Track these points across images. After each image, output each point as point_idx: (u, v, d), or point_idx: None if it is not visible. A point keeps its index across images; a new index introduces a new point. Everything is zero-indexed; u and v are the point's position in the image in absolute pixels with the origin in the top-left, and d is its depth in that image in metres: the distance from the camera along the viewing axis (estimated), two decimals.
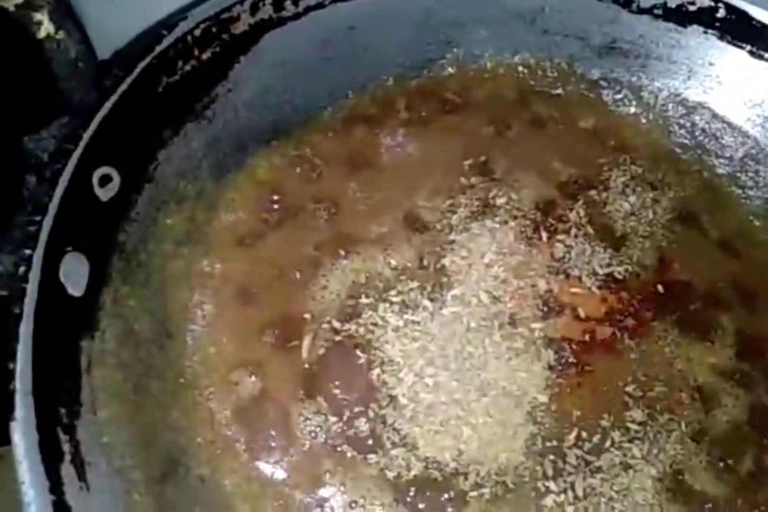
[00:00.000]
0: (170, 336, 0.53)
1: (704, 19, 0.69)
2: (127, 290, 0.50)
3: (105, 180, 0.50)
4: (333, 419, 0.53)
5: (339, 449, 0.52)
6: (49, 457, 0.41)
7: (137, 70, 0.53)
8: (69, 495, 0.41)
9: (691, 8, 0.69)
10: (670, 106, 0.74)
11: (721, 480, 0.56)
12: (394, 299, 0.59)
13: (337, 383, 0.54)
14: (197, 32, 0.57)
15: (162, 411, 0.50)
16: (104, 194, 0.50)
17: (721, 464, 0.56)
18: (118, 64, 0.54)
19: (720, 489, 0.56)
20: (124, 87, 0.52)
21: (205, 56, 0.58)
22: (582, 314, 0.60)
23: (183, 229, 0.57)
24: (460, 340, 0.57)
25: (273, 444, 0.51)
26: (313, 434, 0.52)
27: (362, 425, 0.53)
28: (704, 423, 0.57)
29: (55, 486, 0.41)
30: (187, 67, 0.57)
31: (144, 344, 0.50)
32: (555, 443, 0.54)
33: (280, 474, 0.51)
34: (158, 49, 0.54)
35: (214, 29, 0.58)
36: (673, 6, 0.69)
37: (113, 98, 0.51)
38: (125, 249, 0.51)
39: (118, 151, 0.52)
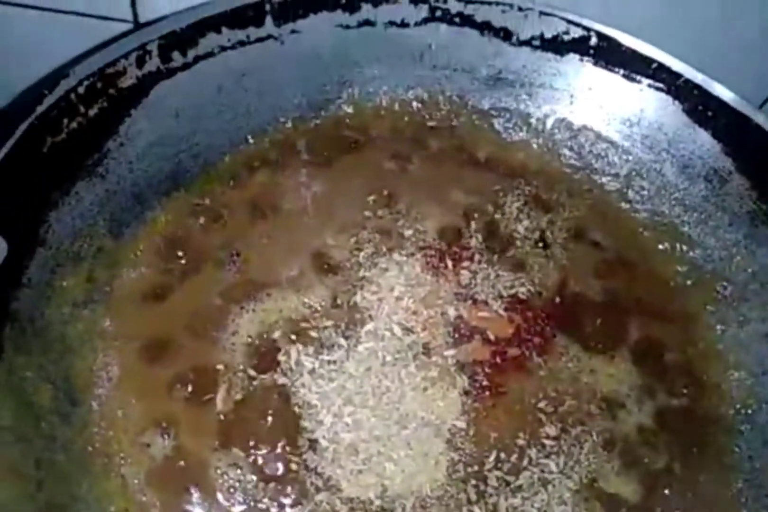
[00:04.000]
0: (74, 404, 0.51)
1: (579, 47, 0.73)
2: (22, 361, 0.49)
3: None
4: (251, 470, 0.53)
5: (260, 505, 0.51)
6: None
7: (18, 133, 0.52)
8: None
9: (566, 38, 0.73)
10: (557, 130, 0.78)
11: (633, 481, 0.59)
12: (309, 339, 0.59)
13: (254, 432, 0.54)
14: (81, 89, 0.56)
15: (69, 485, 0.48)
16: None
17: (633, 467, 0.59)
18: None
19: (633, 489, 0.59)
20: (5, 151, 0.51)
21: (91, 112, 0.58)
22: (491, 337, 0.63)
23: (81, 290, 0.55)
24: (377, 375, 0.58)
25: (189, 506, 0.50)
26: (231, 489, 0.52)
27: (282, 474, 0.53)
28: (614, 431, 0.61)
29: None
30: (73, 125, 0.56)
31: (45, 415, 0.49)
32: (476, 467, 0.56)
33: None
34: (39, 109, 0.53)
35: (99, 85, 0.58)
36: (550, 37, 0.74)
37: None
38: (18, 317, 0.50)
39: (4, 217, 0.50)
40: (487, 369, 0.61)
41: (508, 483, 0.56)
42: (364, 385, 0.57)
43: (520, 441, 0.58)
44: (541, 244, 0.70)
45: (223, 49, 0.65)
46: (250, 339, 0.58)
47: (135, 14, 0.74)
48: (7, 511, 0.43)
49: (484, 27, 0.73)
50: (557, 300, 0.66)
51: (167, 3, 0.72)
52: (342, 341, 0.59)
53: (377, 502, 0.53)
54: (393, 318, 0.61)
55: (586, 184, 0.76)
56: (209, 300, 0.59)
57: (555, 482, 0.57)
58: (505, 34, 0.74)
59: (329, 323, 0.60)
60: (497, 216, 0.70)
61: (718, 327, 0.68)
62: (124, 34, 0.60)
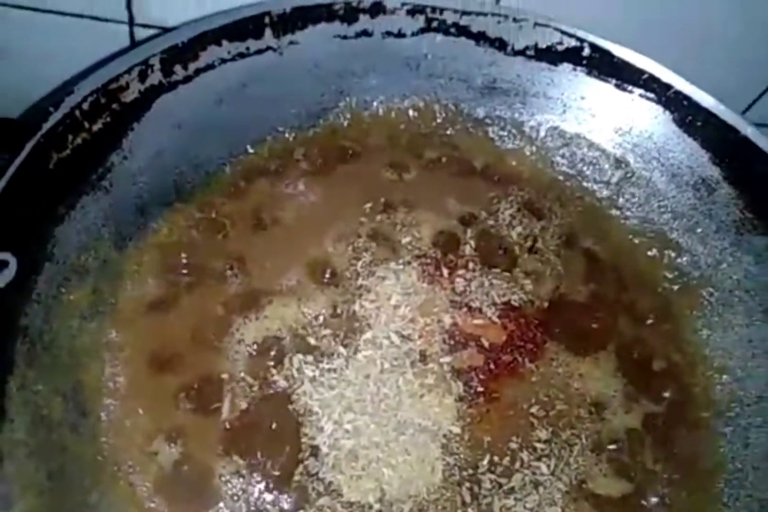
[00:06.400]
0: (84, 415, 0.53)
1: (572, 57, 0.75)
2: (34, 374, 0.50)
3: (1, 265, 0.50)
4: (254, 477, 0.55)
5: (263, 510, 0.53)
6: None
7: (25, 151, 0.53)
8: None
9: (560, 48, 0.75)
10: (550, 138, 0.79)
11: (620, 482, 0.62)
12: (309, 348, 0.61)
13: (257, 439, 0.56)
14: (85, 105, 0.57)
15: (81, 494, 0.50)
16: (1, 280, 0.50)
17: (620, 469, 0.62)
18: (3, 145, 0.54)
19: (620, 490, 0.61)
20: (12, 169, 0.52)
21: (95, 128, 0.58)
22: (486, 343, 0.65)
23: (87, 302, 0.57)
24: (375, 383, 0.60)
25: None
26: (235, 497, 0.54)
27: (284, 479, 0.55)
28: (602, 435, 0.63)
29: None
30: (78, 141, 0.57)
31: (56, 427, 0.50)
32: (470, 471, 0.58)
33: None
34: (45, 126, 0.54)
35: (102, 100, 0.58)
36: (544, 47, 0.75)
37: (2, 183, 0.51)
38: (29, 332, 0.51)
39: (12, 234, 0.52)
40: (481, 376, 0.63)
41: (500, 485, 0.58)
42: (363, 393, 0.59)
43: (513, 445, 0.60)
44: (533, 251, 0.72)
45: (223, 61, 0.66)
46: (253, 349, 0.60)
47: (131, 16, 0.74)
48: None
49: (480, 37, 0.74)
50: (548, 306, 0.68)
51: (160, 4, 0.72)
52: (341, 349, 0.61)
53: (376, 506, 0.55)
54: (390, 327, 0.63)
55: (577, 192, 0.78)
56: (213, 311, 0.61)
57: (546, 483, 0.59)
58: (500, 44, 0.75)
59: (329, 332, 0.62)
60: (490, 223, 0.72)
61: (704, 332, 0.71)
62: (123, 51, 0.60)
